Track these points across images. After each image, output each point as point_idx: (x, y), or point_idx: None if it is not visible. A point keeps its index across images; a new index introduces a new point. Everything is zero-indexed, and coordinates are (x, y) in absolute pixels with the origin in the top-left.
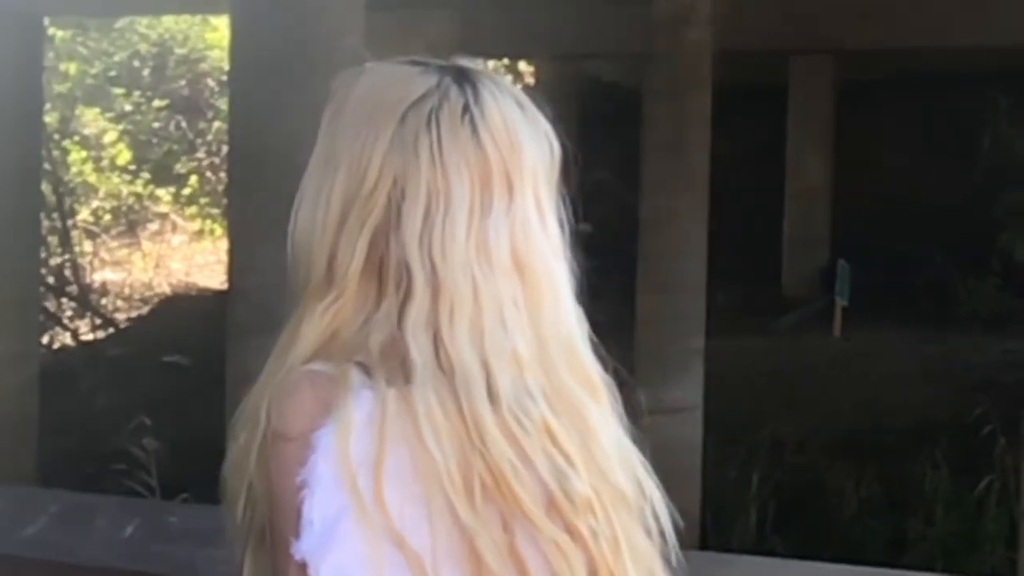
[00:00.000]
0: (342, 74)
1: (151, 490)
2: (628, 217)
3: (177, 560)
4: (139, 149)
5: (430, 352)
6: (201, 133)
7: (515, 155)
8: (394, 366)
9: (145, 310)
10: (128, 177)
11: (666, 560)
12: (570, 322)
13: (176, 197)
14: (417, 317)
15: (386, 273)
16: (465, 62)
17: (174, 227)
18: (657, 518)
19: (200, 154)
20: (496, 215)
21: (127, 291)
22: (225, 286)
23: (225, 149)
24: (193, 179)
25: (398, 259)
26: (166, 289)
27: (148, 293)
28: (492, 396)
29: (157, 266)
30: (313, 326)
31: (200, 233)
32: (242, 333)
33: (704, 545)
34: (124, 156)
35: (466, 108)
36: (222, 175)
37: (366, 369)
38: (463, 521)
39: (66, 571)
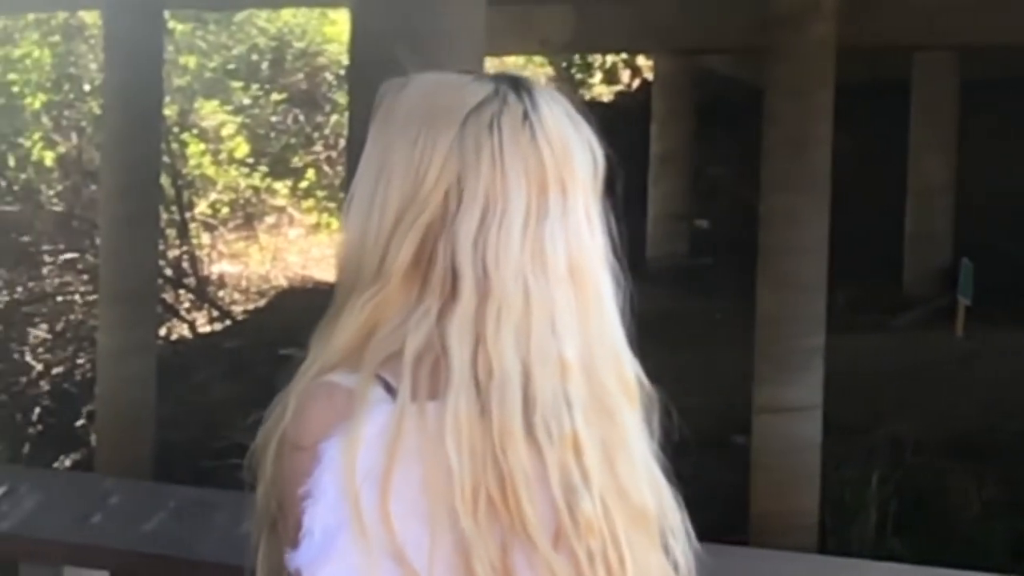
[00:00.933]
0: (387, 83)
1: None
2: (745, 213)
3: None
4: (257, 142)
5: (469, 356)
6: (318, 127)
7: (569, 162)
8: (423, 374)
9: (262, 302)
10: (246, 170)
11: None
12: (615, 331)
13: (293, 190)
14: (461, 320)
15: (432, 274)
16: (514, 72)
17: (291, 220)
18: (674, 535)
19: (317, 148)
20: (552, 221)
21: (244, 283)
22: None
23: (342, 143)
24: (310, 172)
25: (446, 261)
26: (283, 282)
27: (265, 286)
28: (527, 404)
29: (274, 259)
30: (352, 320)
31: (317, 226)
32: None
33: (823, 546)
34: (242, 149)
35: (526, 115)
36: (339, 169)
37: (388, 385)
38: (464, 531)
39: (185, 567)
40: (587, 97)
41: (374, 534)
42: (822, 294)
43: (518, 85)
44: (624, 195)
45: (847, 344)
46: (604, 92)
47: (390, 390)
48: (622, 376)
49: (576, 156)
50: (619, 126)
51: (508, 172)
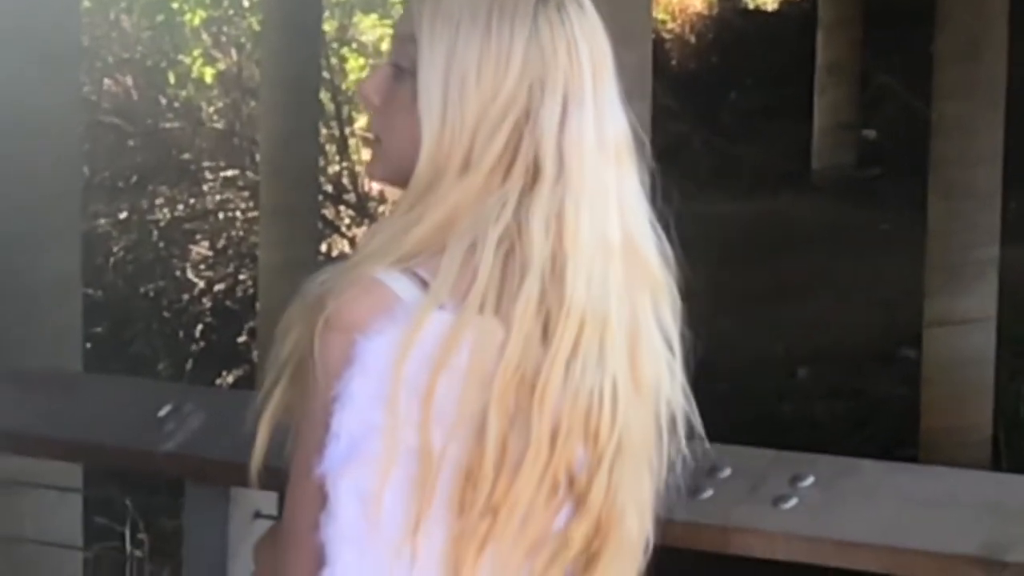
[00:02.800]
0: None
1: None
2: (914, 122)
3: None
4: None
5: (550, 240)
6: None
7: (610, 47)
8: (496, 276)
9: None
10: None
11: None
12: (647, 212)
13: None
14: (541, 206)
15: (515, 165)
16: None
17: None
18: (673, 431)
19: None
20: (608, 104)
21: None
22: None
23: None
24: None
25: (529, 152)
26: None
27: None
28: (587, 284)
29: None
30: (434, 211)
31: None
32: None
33: (996, 462)
34: None
35: (579, 3)
36: None
37: (448, 302)
38: (487, 419)
39: None
40: (751, 6)
41: (404, 441)
42: (996, 203)
43: None
44: (790, 105)
45: (1021, 254)
46: (768, 0)
47: (452, 300)
48: (654, 261)
49: (608, 42)
50: (784, 35)
51: (581, 60)
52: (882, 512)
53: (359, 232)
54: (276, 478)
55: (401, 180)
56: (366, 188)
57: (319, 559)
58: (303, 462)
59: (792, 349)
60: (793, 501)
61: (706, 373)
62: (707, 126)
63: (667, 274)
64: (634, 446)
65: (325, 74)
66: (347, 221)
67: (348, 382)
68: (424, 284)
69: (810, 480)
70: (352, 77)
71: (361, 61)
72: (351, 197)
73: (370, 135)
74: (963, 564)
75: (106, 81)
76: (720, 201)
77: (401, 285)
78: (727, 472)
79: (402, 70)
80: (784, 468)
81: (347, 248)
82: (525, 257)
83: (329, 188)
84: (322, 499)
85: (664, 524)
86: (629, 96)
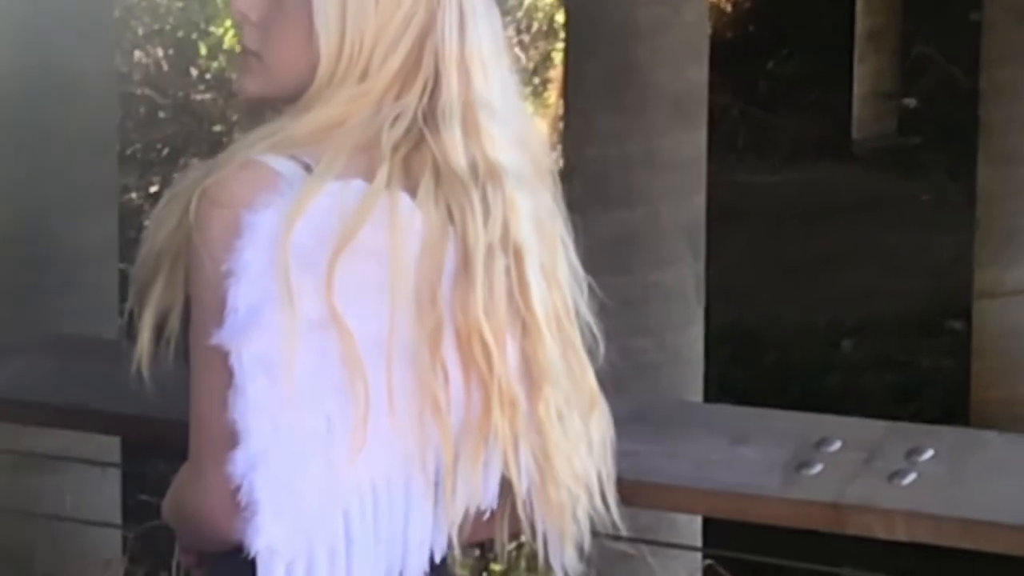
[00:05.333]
0: None
1: None
2: (955, 90)
3: None
4: None
5: (468, 152)
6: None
7: None
8: (398, 163)
9: None
10: None
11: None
12: (524, 104)
13: None
14: (449, 117)
15: (416, 76)
16: None
17: None
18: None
19: (509, 32)
20: (493, 10)
21: None
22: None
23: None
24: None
25: (428, 66)
26: None
27: None
28: (520, 186)
29: None
30: (324, 111)
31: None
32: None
33: None
34: None
35: None
36: (532, 54)
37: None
38: (438, 315)
39: None
40: None
41: (305, 309)
42: None
43: None
44: (829, 74)
45: None
46: None
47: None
48: (542, 143)
49: None
50: (823, 2)
51: None
52: (1013, 488)
53: None
54: None
55: (280, 95)
56: None
57: (232, 441)
58: (202, 349)
59: (836, 320)
60: (912, 476)
61: (751, 344)
62: (745, 96)
63: (551, 158)
64: (563, 323)
65: None
66: None
67: (239, 253)
68: (307, 168)
69: (929, 453)
70: None
71: None
72: None
73: (248, 49)
74: None
75: (136, 53)
76: (760, 171)
77: (281, 164)
78: (836, 445)
79: None
80: (899, 440)
81: None
82: (451, 167)
83: None
84: (228, 377)
85: (770, 501)
86: (685, 58)
